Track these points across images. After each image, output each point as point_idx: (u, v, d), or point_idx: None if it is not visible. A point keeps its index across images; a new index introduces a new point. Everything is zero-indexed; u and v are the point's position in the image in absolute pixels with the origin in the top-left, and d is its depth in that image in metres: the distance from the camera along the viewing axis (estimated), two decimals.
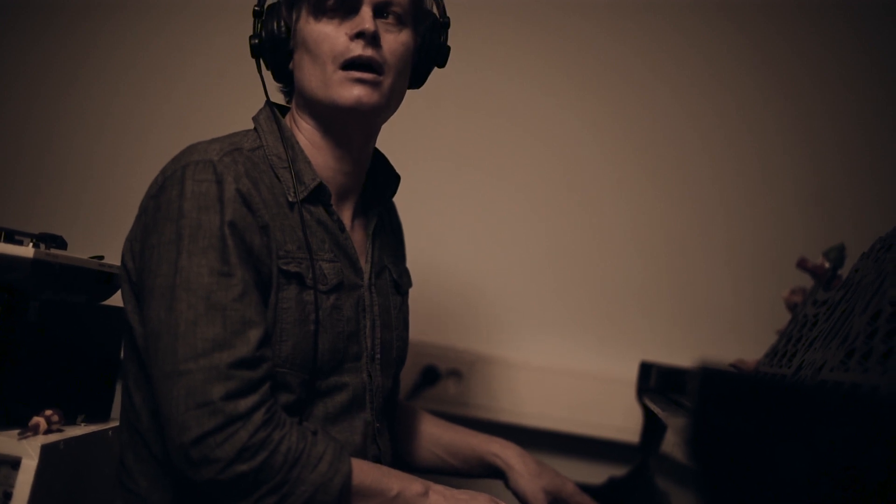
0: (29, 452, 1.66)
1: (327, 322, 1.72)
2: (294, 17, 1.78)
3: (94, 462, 1.88)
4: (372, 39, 1.71)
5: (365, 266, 1.84)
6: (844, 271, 1.84)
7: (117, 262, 1.92)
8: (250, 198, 1.64)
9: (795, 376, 1.50)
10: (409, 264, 2.06)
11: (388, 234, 1.99)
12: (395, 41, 1.75)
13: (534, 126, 2.84)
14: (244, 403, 1.54)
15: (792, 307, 2.06)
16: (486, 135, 2.83)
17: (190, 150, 1.69)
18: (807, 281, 2.03)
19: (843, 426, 0.88)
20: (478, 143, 2.84)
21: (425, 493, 1.68)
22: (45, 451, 1.67)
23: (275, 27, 1.77)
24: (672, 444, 1.87)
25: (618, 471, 2.40)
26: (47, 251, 1.75)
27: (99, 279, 1.91)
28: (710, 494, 0.95)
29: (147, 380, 1.66)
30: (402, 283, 1.97)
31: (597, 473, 2.45)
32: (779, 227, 2.79)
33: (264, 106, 1.82)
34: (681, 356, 2.29)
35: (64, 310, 1.86)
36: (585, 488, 2.06)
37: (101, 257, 1.90)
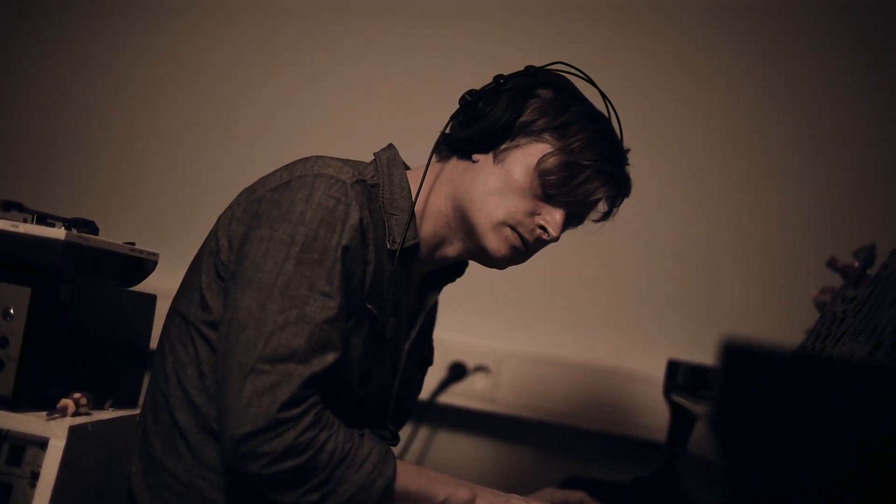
0: (56, 433, 1.67)
1: (375, 371, 1.76)
2: (519, 133, 1.75)
3: (121, 446, 1.89)
4: (547, 241, 1.76)
5: (412, 333, 1.85)
6: (874, 271, 1.83)
7: (148, 248, 1.94)
8: (367, 231, 1.68)
9: None
10: None
11: (433, 308, 2.00)
12: (559, 234, 1.77)
13: None
14: (297, 410, 1.57)
15: (821, 306, 2.04)
16: None
17: (322, 161, 1.71)
18: (836, 281, 2.02)
19: (873, 402, 0.88)
20: None
21: (472, 500, 1.70)
22: (73, 432, 1.68)
23: (502, 116, 1.74)
24: (699, 439, 1.86)
25: (643, 469, 2.40)
26: (79, 234, 1.76)
27: (130, 264, 1.92)
28: (736, 479, 0.94)
29: (185, 347, 1.72)
30: (430, 358, 2.00)
31: (622, 472, 2.44)
32: (808, 226, 2.78)
33: (388, 148, 1.83)
34: (708, 355, 2.28)
35: (95, 294, 1.87)
36: (610, 486, 2.06)
37: (133, 244, 1.91)
